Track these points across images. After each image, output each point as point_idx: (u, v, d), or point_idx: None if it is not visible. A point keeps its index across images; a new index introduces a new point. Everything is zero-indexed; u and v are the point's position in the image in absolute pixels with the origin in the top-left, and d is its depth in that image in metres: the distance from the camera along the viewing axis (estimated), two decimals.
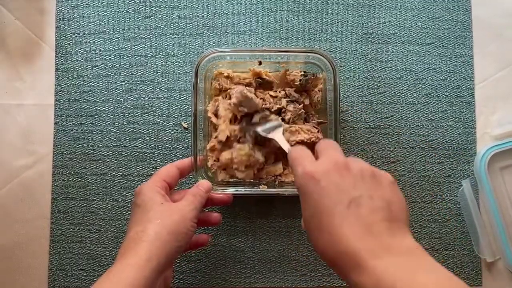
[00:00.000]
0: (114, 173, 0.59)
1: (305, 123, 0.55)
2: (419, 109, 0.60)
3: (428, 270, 0.32)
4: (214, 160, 0.54)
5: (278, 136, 0.51)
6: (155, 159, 0.59)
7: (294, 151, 0.41)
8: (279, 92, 0.55)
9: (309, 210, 0.36)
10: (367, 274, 0.32)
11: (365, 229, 0.34)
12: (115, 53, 0.60)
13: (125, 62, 0.60)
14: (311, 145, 0.53)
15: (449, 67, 0.61)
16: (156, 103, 0.60)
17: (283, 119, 0.55)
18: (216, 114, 0.55)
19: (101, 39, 0.60)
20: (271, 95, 0.55)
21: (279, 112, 0.55)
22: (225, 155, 0.53)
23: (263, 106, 0.54)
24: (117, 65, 0.60)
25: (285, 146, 0.49)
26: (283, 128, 0.53)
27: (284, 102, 0.55)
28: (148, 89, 0.60)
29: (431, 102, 0.60)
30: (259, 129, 0.52)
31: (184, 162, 0.51)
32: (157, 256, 0.41)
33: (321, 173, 0.36)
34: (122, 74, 0.60)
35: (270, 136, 0.51)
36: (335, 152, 0.39)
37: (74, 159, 0.59)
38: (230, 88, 0.54)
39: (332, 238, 0.34)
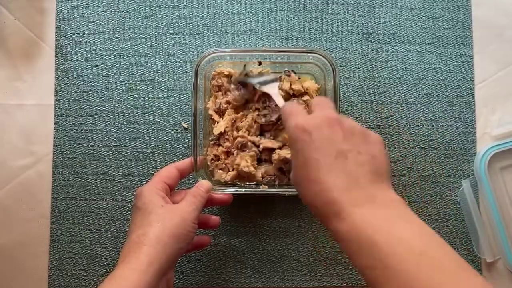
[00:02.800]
0: (114, 173, 0.59)
1: None
2: (419, 109, 0.60)
3: (406, 222, 0.34)
4: (212, 159, 0.55)
5: (273, 91, 0.50)
6: (155, 159, 0.59)
7: (288, 105, 0.42)
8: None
9: (299, 161, 0.38)
10: (346, 221, 0.34)
11: (350, 180, 0.35)
12: (115, 53, 0.60)
13: (125, 62, 0.60)
14: None
15: (449, 67, 0.61)
16: (156, 103, 0.60)
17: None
18: (217, 111, 0.55)
19: (101, 39, 0.60)
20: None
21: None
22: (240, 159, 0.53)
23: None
24: (117, 65, 0.60)
25: (280, 101, 0.48)
26: (279, 83, 0.52)
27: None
28: (148, 89, 0.60)
29: (431, 102, 0.60)
30: (255, 81, 0.51)
31: (184, 163, 0.51)
32: (159, 260, 0.41)
33: (312, 126, 0.38)
34: (122, 74, 0.60)
35: (264, 89, 0.51)
36: (328, 109, 0.40)
37: (74, 159, 0.59)
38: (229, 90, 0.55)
39: (318, 188, 0.36)
